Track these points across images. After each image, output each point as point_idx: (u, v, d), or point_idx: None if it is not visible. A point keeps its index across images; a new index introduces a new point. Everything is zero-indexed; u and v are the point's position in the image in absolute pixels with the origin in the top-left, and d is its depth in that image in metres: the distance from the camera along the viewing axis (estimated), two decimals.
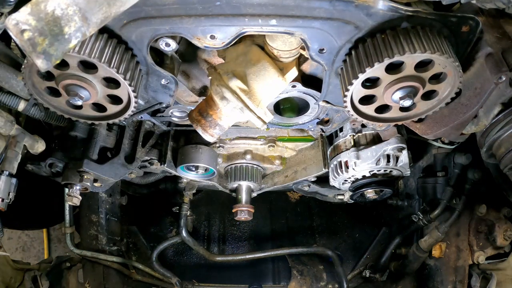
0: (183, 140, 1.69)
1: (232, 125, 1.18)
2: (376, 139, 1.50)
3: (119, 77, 0.99)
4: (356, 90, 1.05)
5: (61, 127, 1.50)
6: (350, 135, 1.53)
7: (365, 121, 1.16)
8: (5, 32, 1.00)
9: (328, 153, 1.64)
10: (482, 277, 1.67)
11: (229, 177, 1.77)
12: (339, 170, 1.54)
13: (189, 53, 1.20)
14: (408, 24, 0.94)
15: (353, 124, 1.52)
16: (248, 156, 1.73)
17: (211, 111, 1.10)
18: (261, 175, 1.81)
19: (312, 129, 1.53)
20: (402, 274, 1.94)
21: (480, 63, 1.03)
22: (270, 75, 1.09)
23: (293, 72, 1.13)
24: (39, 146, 1.38)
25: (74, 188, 1.46)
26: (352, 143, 1.53)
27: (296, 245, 2.22)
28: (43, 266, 1.76)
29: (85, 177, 1.42)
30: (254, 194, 1.86)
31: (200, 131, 1.12)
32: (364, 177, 1.53)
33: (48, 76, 1.03)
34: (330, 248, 2.08)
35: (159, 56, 1.11)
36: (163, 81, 1.15)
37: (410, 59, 0.95)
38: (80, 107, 1.11)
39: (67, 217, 1.87)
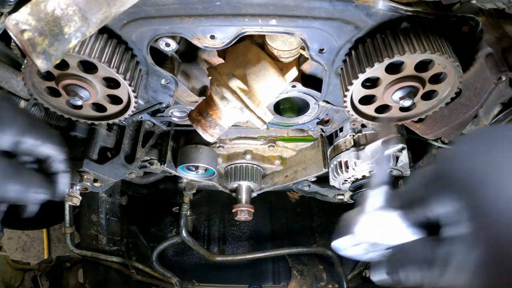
0: (183, 140, 1.69)
1: (232, 125, 1.17)
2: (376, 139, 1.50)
3: (119, 77, 0.99)
4: (356, 90, 1.05)
5: (61, 127, 1.50)
6: (350, 135, 1.53)
7: (365, 121, 1.16)
8: (5, 32, 1.00)
9: (328, 153, 1.64)
10: None
11: (229, 177, 1.77)
12: (339, 170, 1.54)
13: (189, 53, 1.20)
14: (408, 24, 0.94)
15: (353, 124, 1.52)
16: (248, 156, 1.73)
17: (211, 111, 1.10)
18: (261, 175, 1.81)
19: (312, 129, 1.52)
20: None
21: (480, 63, 1.03)
22: (270, 75, 1.09)
23: (293, 72, 1.13)
24: None
25: (74, 188, 1.46)
26: (352, 143, 1.53)
27: (296, 245, 2.21)
28: (43, 266, 1.76)
29: (85, 177, 1.42)
30: (254, 194, 1.86)
31: (200, 131, 1.12)
32: (364, 177, 1.53)
33: (48, 76, 1.03)
34: (330, 248, 2.08)
35: (159, 56, 1.11)
36: (163, 81, 1.15)
37: (410, 59, 0.95)
38: (80, 107, 1.11)
39: (67, 217, 1.87)
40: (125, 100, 1.10)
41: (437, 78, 1.03)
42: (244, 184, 1.77)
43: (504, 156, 0.44)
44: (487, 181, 0.42)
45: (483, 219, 0.40)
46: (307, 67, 1.21)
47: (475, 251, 0.39)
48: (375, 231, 0.53)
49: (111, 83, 1.05)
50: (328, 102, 1.24)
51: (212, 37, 0.99)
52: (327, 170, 1.63)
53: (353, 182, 1.58)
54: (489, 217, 0.40)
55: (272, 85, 1.11)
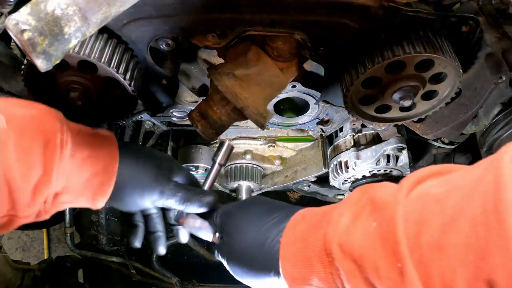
0: (183, 140, 1.69)
1: (232, 125, 1.17)
2: (376, 139, 1.50)
3: (119, 77, 0.99)
4: (356, 90, 1.05)
5: None
6: (350, 135, 1.53)
7: (365, 121, 1.16)
8: (5, 32, 1.00)
9: (328, 153, 1.64)
10: None
11: (229, 177, 1.77)
12: (339, 170, 1.54)
13: (189, 53, 1.20)
14: (408, 24, 0.94)
15: (353, 124, 1.52)
16: (248, 156, 1.73)
17: (211, 111, 1.10)
18: (261, 175, 1.81)
19: (312, 129, 1.53)
20: None
21: (480, 63, 1.03)
22: (270, 75, 1.09)
23: (293, 72, 1.13)
24: None
25: None
26: (352, 143, 1.53)
27: None
28: (43, 266, 1.76)
29: None
30: (254, 194, 1.86)
31: (200, 131, 1.12)
32: (364, 177, 1.53)
33: (48, 76, 1.03)
34: None
35: (159, 56, 1.11)
36: (163, 81, 1.15)
37: (410, 59, 0.95)
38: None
39: (67, 217, 1.87)
40: (125, 100, 1.10)
41: (437, 78, 1.03)
42: (244, 184, 1.77)
43: (244, 217, 0.92)
44: (232, 226, 0.93)
45: (227, 239, 0.93)
46: (307, 67, 1.21)
47: (225, 250, 0.93)
48: (193, 226, 1.03)
49: (111, 83, 1.05)
50: (328, 102, 1.24)
51: (212, 37, 0.99)
52: (327, 170, 1.63)
53: (353, 182, 1.58)
54: (228, 240, 0.92)
55: (272, 85, 1.11)
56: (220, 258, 0.96)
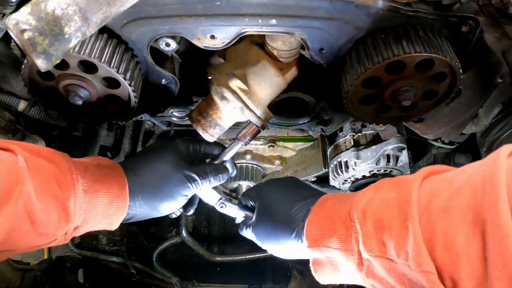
0: None
1: (232, 125, 1.18)
2: (376, 139, 1.50)
3: (119, 77, 0.99)
4: (356, 90, 1.05)
5: (61, 127, 1.50)
6: (350, 135, 1.53)
7: (365, 121, 1.16)
8: (5, 32, 1.00)
9: (328, 153, 1.64)
10: None
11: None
12: (339, 170, 1.54)
13: (189, 53, 1.20)
14: (408, 24, 0.94)
15: (353, 124, 1.52)
16: (248, 156, 1.73)
17: (211, 111, 1.10)
18: (261, 175, 1.81)
19: (312, 129, 1.52)
20: None
21: (480, 63, 1.03)
22: (270, 75, 1.09)
23: (293, 72, 1.13)
24: None
25: None
26: (352, 143, 1.53)
27: None
28: (43, 266, 1.76)
29: None
30: None
31: (200, 131, 1.12)
32: (364, 177, 1.53)
33: (48, 76, 1.03)
34: None
35: (159, 56, 1.11)
36: (163, 81, 1.15)
37: (410, 59, 0.95)
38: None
39: None
40: (125, 100, 1.10)
41: (437, 78, 1.03)
42: (244, 184, 1.76)
43: (271, 194, 1.05)
44: (265, 194, 1.06)
45: (259, 204, 1.06)
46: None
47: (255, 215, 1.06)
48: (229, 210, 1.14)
49: (111, 83, 1.05)
50: (327, 102, 1.24)
51: (212, 37, 0.99)
52: (327, 170, 1.63)
53: (353, 182, 1.58)
54: (260, 205, 1.07)
55: (272, 85, 1.11)
56: (244, 230, 1.09)
